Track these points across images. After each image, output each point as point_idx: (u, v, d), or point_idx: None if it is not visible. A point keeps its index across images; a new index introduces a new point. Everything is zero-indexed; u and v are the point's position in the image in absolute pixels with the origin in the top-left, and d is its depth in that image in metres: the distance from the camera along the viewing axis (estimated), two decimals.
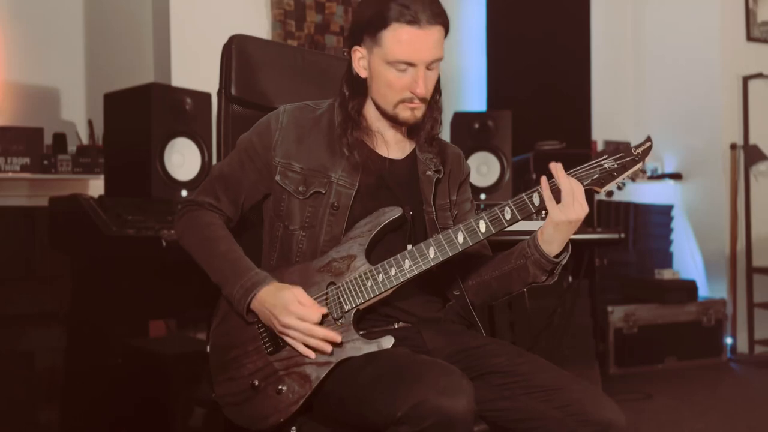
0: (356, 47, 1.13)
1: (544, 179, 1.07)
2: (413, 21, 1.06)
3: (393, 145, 1.18)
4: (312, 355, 1.05)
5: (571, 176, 1.07)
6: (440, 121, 1.18)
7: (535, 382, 1.05)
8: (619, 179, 1.08)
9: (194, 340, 2.25)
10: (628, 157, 1.08)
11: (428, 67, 1.10)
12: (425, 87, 1.10)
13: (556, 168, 1.06)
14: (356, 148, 1.14)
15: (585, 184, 1.07)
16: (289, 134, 1.16)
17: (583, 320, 2.67)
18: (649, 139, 1.10)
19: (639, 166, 1.08)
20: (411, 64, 1.09)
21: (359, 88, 1.14)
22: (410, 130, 1.20)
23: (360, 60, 1.13)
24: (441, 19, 1.09)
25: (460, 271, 1.19)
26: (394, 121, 1.15)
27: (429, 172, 1.18)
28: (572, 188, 1.05)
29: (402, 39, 1.07)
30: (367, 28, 1.10)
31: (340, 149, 1.15)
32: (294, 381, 1.06)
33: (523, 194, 1.08)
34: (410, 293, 1.14)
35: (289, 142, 1.15)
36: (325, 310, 1.07)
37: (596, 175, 1.07)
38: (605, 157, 1.08)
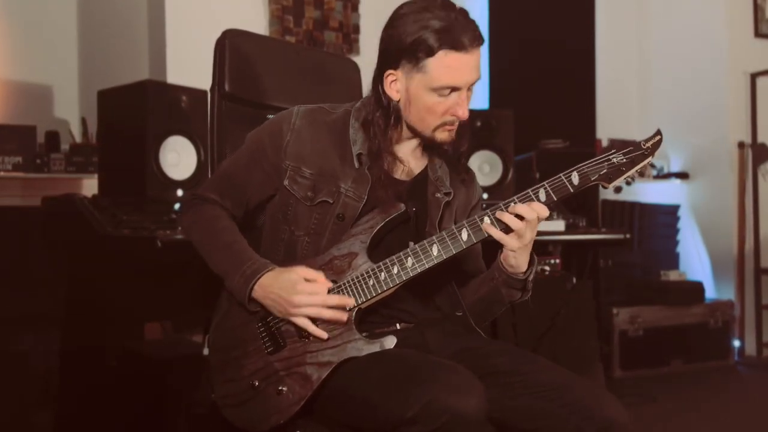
0: (390, 71, 1.11)
1: (486, 225, 1.05)
2: (460, 46, 1.06)
3: (406, 163, 1.17)
4: (325, 335, 1.04)
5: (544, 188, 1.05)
6: (468, 139, 1.18)
7: (539, 381, 1.04)
8: (628, 174, 1.06)
9: (190, 343, 2.22)
10: (637, 151, 1.07)
11: (468, 88, 1.11)
12: (467, 109, 1.10)
13: (500, 215, 1.05)
14: (367, 162, 1.13)
15: (593, 179, 1.06)
16: (301, 137, 1.14)
17: (587, 322, 2.64)
18: (658, 132, 1.08)
19: (648, 160, 1.06)
20: (455, 89, 1.09)
21: (392, 113, 1.12)
22: (426, 148, 1.18)
23: (393, 83, 1.11)
24: (481, 39, 1.09)
25: (451, 279, 1.18)
26: (430, 142, 1.14)
27: (438, 195, 1.17)
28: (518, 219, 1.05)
29: (451, 65, 1.06)
30: (406, 54, 1.08)
31: (351, 159, 1.13)
32: (295, 381, 1.05)
33: (529, 190, 1.07)
34: (410, 294, 1.13)
35: (301, 145, 1.14)
36: (330, 284, 1.06)
37: (604, 170, 1.06)
38: (613, 151, 1.06)
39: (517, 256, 1.08)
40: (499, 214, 1.05)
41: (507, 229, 1.06)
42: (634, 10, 3.80)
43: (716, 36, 3.51)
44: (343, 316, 1.06)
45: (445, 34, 1.06)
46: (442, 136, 1.12)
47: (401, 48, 1.08)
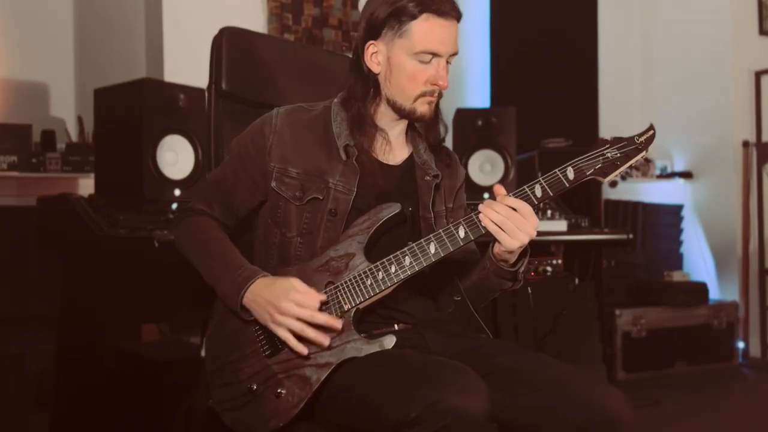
0: (371, 42, 1.12)
1: (482, 216, 1.04)
2: (441, 12, 1.09)
3: (392, 149, 1.17)
4: (305, 351, 1.03)
5: (521, 195, 1.05)
6: (446, 126, 1.20)
7: (540, 378, 1.03)
8: (622, 168, 1.07)
9: (188, 344, 2.20)
10: (631, 146, 1.07)
11: (447, 61, 1.12)
12: (447, 79, 1.12)
13: (499, 191, 1.06)
14: (354, 152, 1.12)
15: (588, 173, 1.06)
16: (283, 138, 1.14)
17: (590, 323, 2.62)
18: (651, 127, 1.09)
19: (642, 154, 1.08)
20: (436, 55, 1.11)
21: (371, 85, 1.14)
22: (410, 133, 1.18)
23: (373, 55, 1.13)
24: (459, 12, 1.12)
25: (449, 277, 1.17)
26: (410, 116, 1.14)
27: (428, 178, 1.18)
28: (504, 217, 1.04)
29: (433, 30, 1.09)
30: (389, 21, 1.10)
31: (337, 152, 1.13)
32: (294, 384, 1.04)
33: (525, 186, 1.07)
34: (409, 294, 1.12)
35: (284, 146, 1.14)
36: (324, 297, 1.05)
37: (599, 165, 1.06)
38: (607, 146, 1.08)
39: (513, 252, 1.07)
40: (482, 209, 1.05)
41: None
42: (637, 8, 3.77)
43: (720, 34, 3.48)
44: (326, 340, 1.03)
45: (428, 0, 1.09)
46: (422, 108, 1.13)
47: (383, 16, 1.10)
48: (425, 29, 1.09)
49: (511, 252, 1.07)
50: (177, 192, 1.95)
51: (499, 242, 1.05)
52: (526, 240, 1.04)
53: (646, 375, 3.03)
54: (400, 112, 1.14)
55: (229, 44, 1.33)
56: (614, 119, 3.50)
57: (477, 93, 3.32)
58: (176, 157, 1.98)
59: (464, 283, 1.17)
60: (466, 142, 2.47)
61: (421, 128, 1.18)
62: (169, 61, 2.59)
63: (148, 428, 1.86)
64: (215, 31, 1.34)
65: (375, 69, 1.13)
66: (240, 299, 1.06)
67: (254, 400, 1.05)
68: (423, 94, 1.12)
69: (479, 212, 1.05)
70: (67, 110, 2.78)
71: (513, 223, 1.03)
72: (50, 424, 1.97)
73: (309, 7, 2.93)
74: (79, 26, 2.83)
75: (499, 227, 1.03)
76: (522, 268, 1.12)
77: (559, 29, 3.20)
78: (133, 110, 1.93)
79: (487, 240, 1.09)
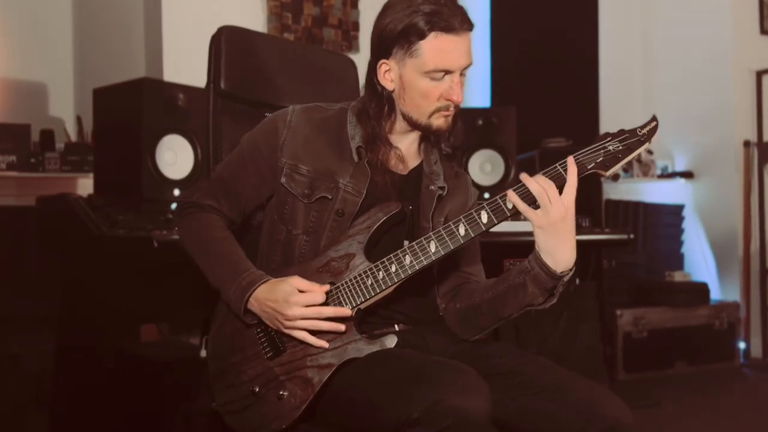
0: (383, 61, 1.11)
1: (510, 192, 1.02)
2: (450, 28, 1.07)
3: (403, 159, 1.16)
4: (326, 345, 1.04)
5: (556, 171, 1.02)
6: (463, 129, 1.20)
7: (541, 382, 1.03)
8: (624, 161, 1.05)
9: (187, 345, 2.20)
10: (633, 138, 1.05)
11: (461, 73, 1.11)
12: (461, 93, 1.11)
13: (524, 177, 1.03)
14: (368, 158, 1.12)
15: (589, 167, 1.04)
16: (297, 135, 1.14)
17: (591, 324, 2.60)
18: (654, 118, 1.07)
19: (644, 147, 1.05)
20: (448, 72, 1.09)
21: (386, 102, 1.13)
22: (423, 144, 1.18)
23: (386, 73, 1.12)
24: (470, 23, 1.10)
25: (451, 293, 1.16)
26: (426, 130, 1.14)
27: (432, 187, 1.17)
28: (543, 188, 1.00)
29: (443, 48, 1.07)
30: (398, 41, 1.09)
31: (350, 154, 1.13)
32: (296, 385, 1.04)
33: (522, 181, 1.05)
34: (409, 296, 1.11)
35: (297, 143, 1.14)
36: (327, 287, 1.06)
37: (600, 158, 1.04)
38: (609, 139, 1.05)
39: (546, 234, 1.01)
40: (524, 179, 1.02)
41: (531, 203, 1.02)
42: (637, 8, 3.77)
43: (721, 33, 3.47)
44: (341, 327, 1.04)
45: (435, 17, 1.07)
46: (438, 122, 1.12)
47: (393, 36, 1.09)
48: (435, 48, 1.07)
49: (541, 228, 1.00)
50: (176, 192, 1.95)
51: (530, 220, 1.00)
52: (555, 217, 0.99)
53: (647, 375, 3.02)
54: (417, 127, 1.14)
55: (228, 43, 1.32)
56: (614, 119, 3.48)
57: (477, 93, 3.31)
58: (175, 157, 1.97)
59: (487, 294, 1.11)
60: (466, 142, 2.46)
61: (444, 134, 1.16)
62: (168, 61, 2.58)
63: (147, 428, 1.85)
64: (214, 31, 1.33)
65: (389, 86, 1.12)
66: (244, 305, 1.06)
67: (257, 402, 1.05)
68: (438, 110, 1.11)
69: (517, 186, 1.02)
70: (66, 110, 2.78)
71: (547, 197, 0.99)
72: (50, 424, 1.96)
73: (309, 7, 2.93)
74: (78, 26, 2.83)
75: (536, 198, 0.99)
76: (566, 279, 1.03)
77: (559, 29, 3.19)
78: (133, 110, 1.93)
79: (489, 240, 1.08)
